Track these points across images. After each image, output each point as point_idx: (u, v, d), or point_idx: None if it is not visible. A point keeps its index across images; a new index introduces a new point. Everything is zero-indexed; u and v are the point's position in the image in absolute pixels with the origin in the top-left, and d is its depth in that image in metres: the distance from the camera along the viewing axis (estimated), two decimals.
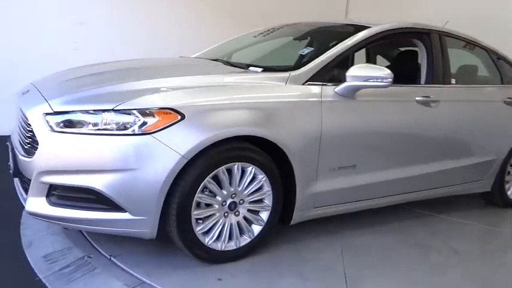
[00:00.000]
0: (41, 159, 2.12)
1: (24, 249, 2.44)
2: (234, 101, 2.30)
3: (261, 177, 2.40)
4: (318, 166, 2.59)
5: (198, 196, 2.22)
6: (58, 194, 2.15)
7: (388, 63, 3.83)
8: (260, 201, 2.48)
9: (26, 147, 2.28)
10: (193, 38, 5.14)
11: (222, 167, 2.25)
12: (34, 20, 4.65)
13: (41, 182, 2.14)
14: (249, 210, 2.44)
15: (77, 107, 2.14)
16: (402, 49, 3.73)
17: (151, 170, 2.08)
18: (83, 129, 2.09)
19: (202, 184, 2.22)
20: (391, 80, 2.59)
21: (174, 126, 2.11)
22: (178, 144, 2.11)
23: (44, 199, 2.16)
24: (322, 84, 2.61)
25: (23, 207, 2.26)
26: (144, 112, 2.09)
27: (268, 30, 3.61)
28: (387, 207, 3.11)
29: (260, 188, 2.44)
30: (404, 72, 3.33)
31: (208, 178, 2.23)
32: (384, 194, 2.96)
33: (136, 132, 2.07)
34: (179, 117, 2.13)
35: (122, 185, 2.08)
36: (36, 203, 2.17)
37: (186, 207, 2.20)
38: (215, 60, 3.12)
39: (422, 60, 3.26)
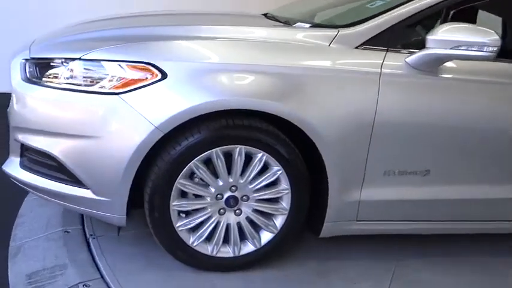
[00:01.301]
0: (13, 112, 1.81)
1: (8, 259, 1.88)
2: (242, 62, 1.68)
3: (276, 169, 1.77)
4: (367, 165, 1.84)
5: (181, 182, 1.70)
6: (29, 156, 1.83)
7: None
8: (273, 201, 1.85)
9: None
10: None
11: (217, 148, 1.68)
12: None
13: (14, 140, 1.84)
14: (256, 211, 1.84)
15: (51, 54, 1.76)
16: None
17: (116, 142, 1.62)
18: (52, 82, 1.70)
19: (187, 167, 1.68)
20: (496, 49, 1.68)
21: (150, 87, 1.60)
22: (153, 111, 1.60)
23: (18, 160, 1.86)
24: (387, 50, 1.82)
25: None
26: (114, 65, 1.62)
27: None
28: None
29: (274, 184, 1.81)
30: None
31: (195, 161, 1.68)
32: (472, 218, 2.05)
33: (101, 91, 1.61)
34: (159, 75, 1.60)
35: (81, 155, 1.66)
36: (11, 163, 1.88)
37: (162, 194, 1.69)
38: (264, 14, 2.49)
39: None
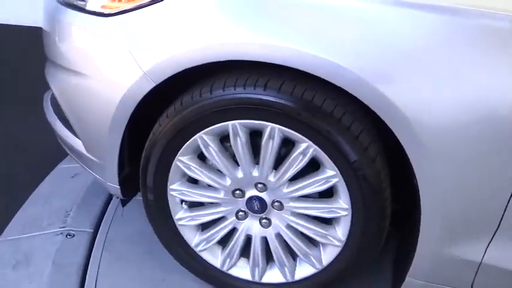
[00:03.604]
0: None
1: None
2: None
3: (330, 175, 1.05)
4: (508, 207, 0.96)
5: (182, 161, 1.15)
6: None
7: None
8: (324, 221, 1.15)
9: None
10: None
11: (235, 122, 1.06)
12: None
13: None
14: (292, 229, 1.17)
15: None
16: None
17: (103, 85, 1.14)
18: None
19: (191, 141, 1.12)
20: None
21: (147, 9, 1.04)
22: (145, 49, 1.05)
23: (50, 94, 1.59)
24: None
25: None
26: None
27: None
28: None
29: (328, 196, 1.11)
30: None
31: (202, 134, 1.10)
32: None
33: (90, 9, 1.13)
34: None
35: (71, 95, 1.25)
36: (47, 97, 1.61)
37: (155, 171, 1.18)
38: None
39: None
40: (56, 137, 1.50)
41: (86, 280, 1.29)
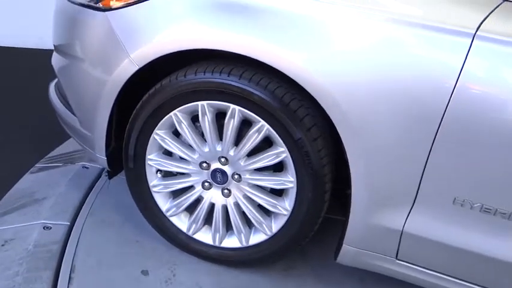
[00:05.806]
0: None
1: None
2: None
3: (280, 150, 1.27)
4: (424, 180, 1.16)
5: (158, 134, 1.36)
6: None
7: None
8: (276, 193, 1.36)
9: None
10: None
11: (204, 102, 1.28)
12: None
13: None
14: (249, 199, 1.38)
15: None
16: None
17: (96, 68, 1.37)
18: None
19: (166, 117, 1.33)
20: None
21: (139, 5, 1.28)
22: (133, 37, 1.28)
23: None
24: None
25: None
26: None
27: None
28: None
29: (280, 170, 1.32)
30: None
31: (177, 111, 1.32)
32: None
33: (92, 4, 1.37)
34: None
35: (70, 77, 1.48)
36: (54, 84, 1.86)
37: (135, 143, 1.40)
38: None
39: None
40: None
41: (70, 236, 1.49)
